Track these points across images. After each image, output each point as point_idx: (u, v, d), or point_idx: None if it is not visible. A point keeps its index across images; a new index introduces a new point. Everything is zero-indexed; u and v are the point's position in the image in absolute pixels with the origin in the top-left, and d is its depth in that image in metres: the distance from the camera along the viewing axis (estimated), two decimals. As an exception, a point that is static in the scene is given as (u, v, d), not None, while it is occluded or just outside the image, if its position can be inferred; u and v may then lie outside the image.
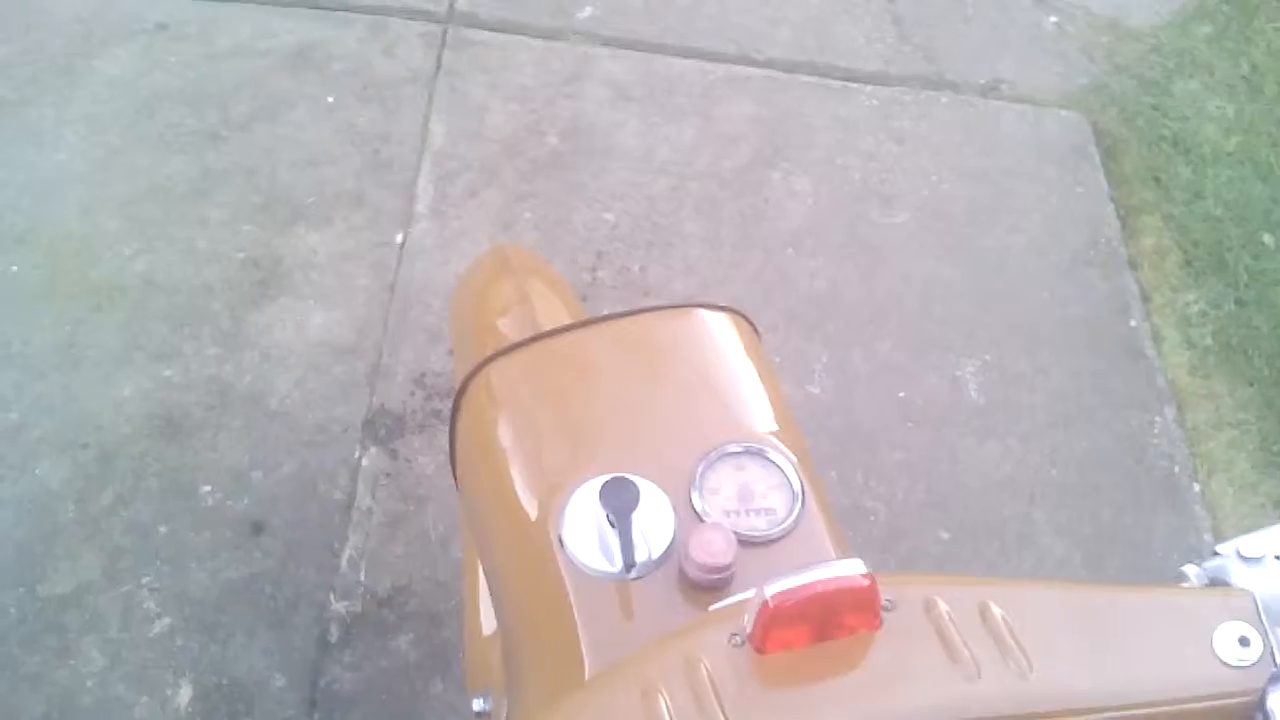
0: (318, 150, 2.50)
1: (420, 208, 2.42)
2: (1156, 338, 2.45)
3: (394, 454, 2.06)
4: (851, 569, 0.68)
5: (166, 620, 1.84)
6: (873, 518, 2.10)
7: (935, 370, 2.32)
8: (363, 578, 1.92)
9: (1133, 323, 2.46)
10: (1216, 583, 0.75)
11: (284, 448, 2.05)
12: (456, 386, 1.09)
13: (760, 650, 0.68)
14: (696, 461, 0.94)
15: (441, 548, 1.96)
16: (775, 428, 1.00)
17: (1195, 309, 2.50)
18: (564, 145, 2.59)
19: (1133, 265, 2.57)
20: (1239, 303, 2.52)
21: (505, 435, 1.03)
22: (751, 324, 1.12)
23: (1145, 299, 2.52)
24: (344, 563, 1.93)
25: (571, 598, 0.87)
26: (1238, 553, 0.75)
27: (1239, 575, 0.74)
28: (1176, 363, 2.41)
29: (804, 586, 0.67)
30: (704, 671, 0.67)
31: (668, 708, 0.65)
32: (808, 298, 2.39)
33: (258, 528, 1.95)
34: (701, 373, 1.06)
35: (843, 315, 2.38)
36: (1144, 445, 2.27)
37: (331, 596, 1.89)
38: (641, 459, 0.94)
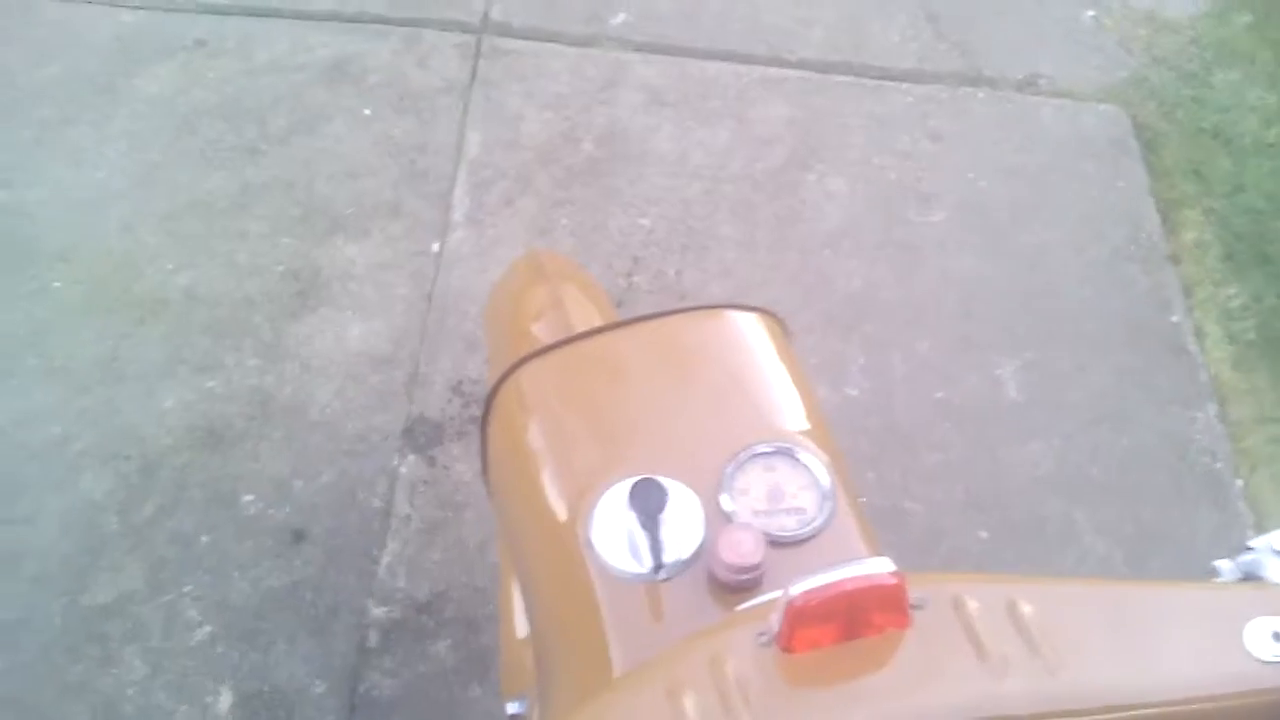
0: (355, 162, 2.52)
1: (457, 216, 2.44)
2: (1198, 333, 2.41)
3: (432, 461, 2.07)
4: (879, 567, 0.68)
5: (208, 628, 1.86)
6: (912, 519, 2.08)
7: (974, 369, 2.30)
8: (401, 584, 1.93)
9: (1174, 318, 2.43)
10: (1250, 578, 0.74)
11: (324, 457, 2.07)
12: (488, 390, 1.10)
13: (787, 650, 0.67)
14: (726, 462, 0.93)
15: (479, 553, 1.96)
16: (806, 427, 1.00)
17: (1237, 303, 2.46)
18: (599, 151, 2.60)
19: (1174, 260, 2.54)
20: (1283, 296, 2.48)
21: (535, 438, 1.03)
22: (781, 324, 1.12)
23: (1187, 294, 2.48)
24: (383, 569, 1.94)
25: (600, 599, 0.88)
26: (1271, 548, 0.74)
27: (1273, 570, 0.73)
28: (1219, 358, 2.37)
29: (830, 585, 0.66)
30: (730, 671, 0.67)
31: (693, 707, 0.65)
32: (845, 299, 2.38)
33: (298, 536, 1.97)
34: (731, 373, 1.06)
35: (880, 316, 2.36)
36: (1186, 442, 2.23)
37: (370, 603, 1.91)
38: (671, 460, 0.94)
